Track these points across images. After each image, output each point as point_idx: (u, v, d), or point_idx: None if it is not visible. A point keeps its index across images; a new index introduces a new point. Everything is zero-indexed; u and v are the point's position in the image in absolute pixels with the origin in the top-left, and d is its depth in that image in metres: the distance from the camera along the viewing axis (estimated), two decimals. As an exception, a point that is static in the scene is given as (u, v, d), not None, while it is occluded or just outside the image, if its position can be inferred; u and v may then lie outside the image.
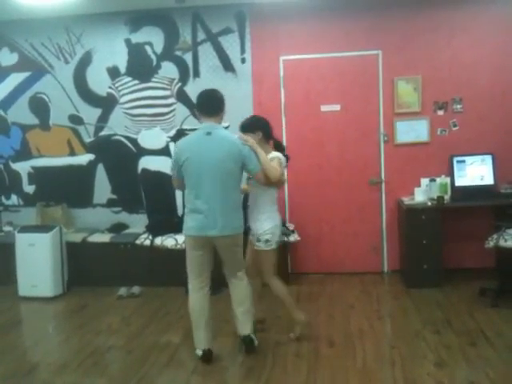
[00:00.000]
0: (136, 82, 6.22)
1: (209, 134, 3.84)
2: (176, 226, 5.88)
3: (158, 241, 5.74)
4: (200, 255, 3.94)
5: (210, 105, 3.92)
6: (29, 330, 5.06)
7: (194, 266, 3.99)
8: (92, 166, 6.39)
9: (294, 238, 5.76)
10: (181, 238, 5.66)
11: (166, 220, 6.07)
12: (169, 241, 5.71)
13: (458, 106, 5.79)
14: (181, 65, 6.13)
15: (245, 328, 4.08)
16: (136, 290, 5.67)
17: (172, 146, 6.15)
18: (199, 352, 3.98)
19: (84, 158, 6.40)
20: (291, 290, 5.50)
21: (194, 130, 6.05)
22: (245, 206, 4.25)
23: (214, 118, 3.90)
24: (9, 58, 6.37)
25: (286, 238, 5.68)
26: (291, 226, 5.93)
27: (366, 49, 5.86)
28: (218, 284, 5.42)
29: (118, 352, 4.29)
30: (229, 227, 3.88)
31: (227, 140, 3.87)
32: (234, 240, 3.96)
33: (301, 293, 5.52)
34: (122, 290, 5.66)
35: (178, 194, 6.17)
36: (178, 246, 5.60)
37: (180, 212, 6.20)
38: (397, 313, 4.90)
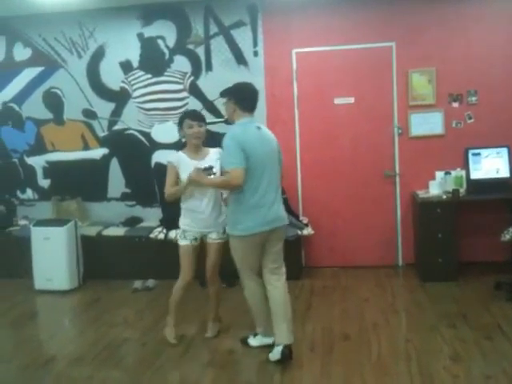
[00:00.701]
0: (149, 76, 6.23)
1: (259, 128, 3.82)
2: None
3: (172, 234, 5.74)
4: (260, 251, 3.87)
5: (255, 101, 3.85)
6: (44, 323, 5.11)
7: (255, 263, 3.90)
8: (106, 160, 6.41)
9: (307, 231, 5.74)
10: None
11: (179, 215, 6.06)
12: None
13: (473, 98, 5.73)
14: (193, 58, 6.12)
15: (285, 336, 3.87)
16: (150, 283, 5.70)
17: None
18: (279, 349, 3.78)
19: (98, 153, 6.43)
20: (304, 284, 5.54)
21: (208, 123, 6.08)
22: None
23: (252, 114, 3.85)
24: (22, 53, 6.40)
25: (299, 232, 5.67)
26: (305, 220, 5.92)
27: (379, 41, 5.81)
28: (233, 277, 5.46)
29: (132, 345, 4.31)
30: (284, 217, 3.93)
31: (270, 134, 3.93)
32: (285, 230, 4.03)
33: (314, 287, 5.51)
34: (137, 284, 5.69)
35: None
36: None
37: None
38: (412, 307, 4.87)
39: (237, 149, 3.60)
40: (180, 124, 4.10)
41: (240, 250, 3.86)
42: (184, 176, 3.99)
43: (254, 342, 4.09)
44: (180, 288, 4.21)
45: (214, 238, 4.20)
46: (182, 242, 4.16)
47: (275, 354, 3.78)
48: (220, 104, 5.98)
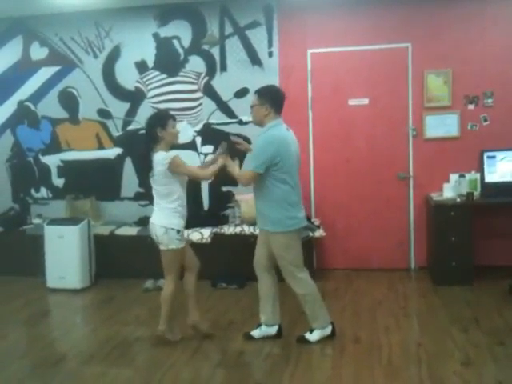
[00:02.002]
0: (163, 76, 6.25)
1: (288, 129, 4.02)
2: (202, 221, 5.93)
3: (184, 234, 5.75)
4: None
5: (283, 103, 4.03)
6: (57, 321, 5.15)
7: (301, 257, 4.09)
8: (120, 159, 6.45)
9: (319, 233, 5.73)
10: (206, 232, 5.68)
11: (192, 214, 6.07)
12: (194, 235, 5.72)
13: (489, 101, 5.68)
14: (208, 59, 6.13)
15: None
16: (162, 282, 5.68)
17: (199, 139, 6.18)
18: (327, 330, 4.12)
19: (112, 152, 6.47)
20: (316, 286, 5.51)
21: (220, 124, 6.08)
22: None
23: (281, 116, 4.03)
24: (39, 53, 6.45)
25: (311, 234, 5.65)
26: (317, 222, 5.90)
27: (395, 42, 5.78)
28: (244, 279, 5.47)
29: (144, 344, 4.33)
30: None
31: (294, 135, 4.10)
32: None
33: (326, 289, 5.48)
34: (149, 283, 5.71)
35: (204, 188, 6.20)
36: (204, 240, 5.62)
37: (206, 206, 6.22)
38: (424, 310, 4.84)
39: (268, 154, 3.82)
40: (161, 124, 4.04)
41: (295, 244, 4.01)
42: (183, 176, 4.13)
43: (313, 336, 4.11)
44: (173, 294, 4.22)
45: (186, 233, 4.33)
46: (180, 245, 4.12)
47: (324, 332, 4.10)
48: (234, 104, 6.01)
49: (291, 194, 3.95)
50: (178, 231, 4.09)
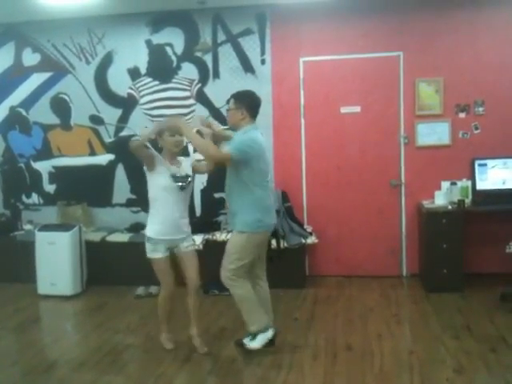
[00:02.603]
0: (156, 82, 6.25)
1: (262, 134, 4.08)
2: (194, 227, 5.91)
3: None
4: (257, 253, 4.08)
5: (259, 109, 4.08)
6: (47, 328, 5.11)
7: (249, 263, 4.02)
8: (112, 166, 6.43)
9: (311, 240, 5.73)
10: (198, 239, 5.67)
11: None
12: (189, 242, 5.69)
13: (480, 109, 5.72)
14: (201, 66, 6.14)
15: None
16: (154, 289, 5.68)
17: (191, 146, 6.17)
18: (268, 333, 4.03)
19: (104, 158, 6.45)
20: (308, 293, 5.52)
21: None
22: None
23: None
24: (31, 58, 6.44)
25: (303, 240, 5.66)
26: (309, 228, 5.91)
27: (387, 50, 5.81)
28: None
29: (135, 351, 4.31)
30: None
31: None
32: None
33: (318, 295, 5.49)
34: (140, 290, 5.69)
35: (197, 194, 6.18)
36: (196, 247, 5.59)
37: (198, 213, 6.21)
38: (416, 317, 4.85)
39: (248, 148, 3.85)
40: (158, 133, 4.05)
41: (250, 249, 3.97)
42: (160, 179, 4.00)
43: (254, 343, 4.01)
44: (163, 300, 4.23)
45: (186, 245, 4.18)
46: (153, 255, 4.06)
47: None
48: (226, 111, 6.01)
49: (264, 196, 3.99)
50: (149, 239, 4.03)
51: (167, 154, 4.09)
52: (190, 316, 4.27)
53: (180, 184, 4.03)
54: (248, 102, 3.99)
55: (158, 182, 4.02)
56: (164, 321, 4.30)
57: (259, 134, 4.03)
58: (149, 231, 4.06)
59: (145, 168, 4.05)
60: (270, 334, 4.00)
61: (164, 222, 4.03)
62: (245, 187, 3.93)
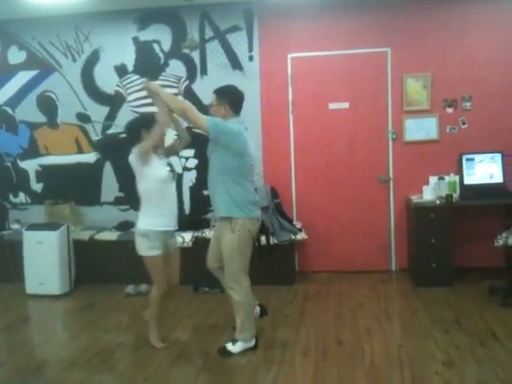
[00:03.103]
0: (143, 79, 6.21)
1: (246, 129, 4.02)
2: (183, 224, 5.89)
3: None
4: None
5: (242, 104, 4.06)
6: (37, 328, 5.08)
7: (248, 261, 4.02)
8: (99, 164, 6.39)
9: (301, 236, 5.74)
10: (187, 236, 5.65)
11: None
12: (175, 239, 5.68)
13: (468, 104, 5.75)
14: (188, 63, 6.12)
15: None
16: (143, 288, 5.66)
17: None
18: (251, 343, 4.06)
19: (92, 156, 6.41)
20: (298, 289, 5.53)
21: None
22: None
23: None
24: (17, 56, 6.38)
25: (293, 237, 5.67)
26: (298, 224, 5.91)
27: (375, 46, 5.83)
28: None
29: (126, 349, 4.29)
30: None
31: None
32: None
33: (308, 291, 5.50)
34: (130, 288, 5.67)
35: (186, 192, 6.17)
36: (185, 244, 5.59)
37: (187, 210, 6.19)
38: (405, 312, 4.87)
39: (223, 130, 3.83)
40: (146, 126, 4.01)
41: (245, 246, 3.97)
42: (157, 171, 4.01)
43: (235, 348, 4.02)
44: (157, 298, 4.19)
45: (174, 242, 4.25)
46: (151, 253, 4.01)
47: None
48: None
49: (251, 189, 4.01)
50: (148, 237, 3.99)
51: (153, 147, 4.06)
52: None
53: (174, 172, 4.14)
54: (230, 98, 3.98)
55: (156, 174, 4.01)
56: (155, 320, 4.26)
57: (242, 127, 3.97)
58: (145, 225, 4.01)
59: (137, 163, 3.98)
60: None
61: (162, 214, 4.03)
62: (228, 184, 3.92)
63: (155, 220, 4.00)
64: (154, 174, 4.00)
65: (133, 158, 4.00)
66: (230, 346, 4.03)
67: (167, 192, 4.09)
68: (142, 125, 4.11)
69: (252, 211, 3.97)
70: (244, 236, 3.92)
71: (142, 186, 4.05)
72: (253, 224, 4.00)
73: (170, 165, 4.14)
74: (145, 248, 4.02)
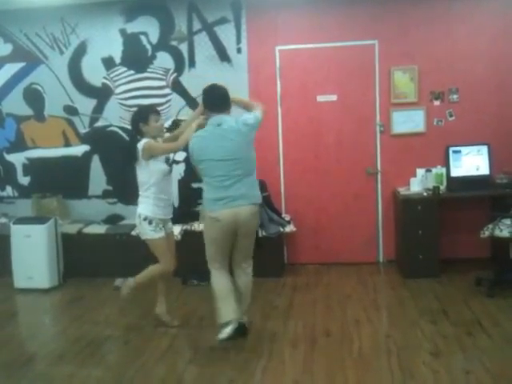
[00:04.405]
0: (131, 72, 6.19)
1: (219, 125, 3.94)
2: (172, 217, 5.89)
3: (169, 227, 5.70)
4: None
5: (220, 102, 4.01)
6: (25, 322, 5.07)
7: (212, 250, 4.09)
8: (87, 157, 6.36)
9: (289, 228, 5.76)
10: (176, 229, 5.65)
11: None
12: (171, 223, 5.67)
13: (455, 96, 5.79)
14: (176, 55, 6.09)
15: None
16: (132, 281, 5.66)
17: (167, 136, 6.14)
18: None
19: (79, 149, 6.37)
20: (286, 281, 5.55)
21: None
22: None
23: (221, 113, 4.00)
24: (3, 49, 6.32)
25: (281, 229, 5.69)
26: (287, 217, 5.93)
27: (362, 39, 5.83)
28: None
29: (115, 342, 4.30)
30: None
31: (233, 126, 4.06)
32: None
33: (297, 283, 5.53)
34: (118, 281, 5.63)
35: (174, 185, 6.15)
36: (174, 237, 5.57)
37: (176, 203, 6.19)
38: (393, 303, 4.91)
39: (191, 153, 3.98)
40: (143, 119, 4.20)
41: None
42: (159, 164, 4.22)
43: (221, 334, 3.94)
44: (159, 273, 4.36)
45: (170, 227, 4.43)
46: (156, 235, 4.22)
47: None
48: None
49: (211, 192, 3.95)
50: (151, 221, 4.18)
51: (152, 138, 4.25)
52: (158, 295, 4.45)
53: (171, 166, 4.38)
54: (203, 98, 4.11)
55: (158, 168, 4.22)
56: (163, 298, 4.47)
57: (211, 126, 3.94)
58: (149, 212, 4.19)
59: (141, 157, 4.14)
60: (229, 329, 3.87)
61: (162, 205, 4.25)
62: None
63: (155, 208, 4.22)
64: (156, 168, 4.20)
65: (139, 153, 4.15)
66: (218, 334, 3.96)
67: (166, 184, 4.29)
68: (139, 118, 4.25)
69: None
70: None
71: (143, 178, 4.22)
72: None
73: (167, 158, 4.31)
74: (149, 232, 4.21)
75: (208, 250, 4.06)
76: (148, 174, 4.19)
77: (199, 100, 5.90)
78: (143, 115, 4.23)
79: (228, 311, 3.94)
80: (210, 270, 4.08)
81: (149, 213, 4.20)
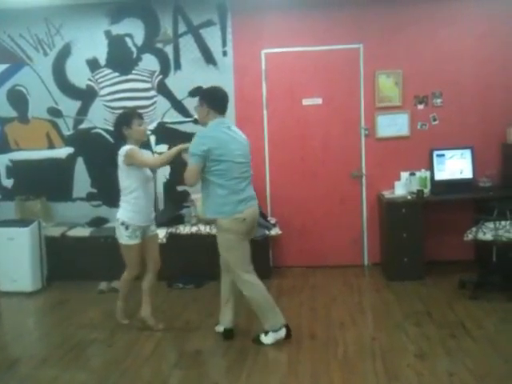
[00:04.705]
0: (116, 74, 6.16)
1: (229, 128, 4.05)
2: (157, 221, 5.86)
3: (151, 232, 5.67)
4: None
5: (226, 103, 4.09)
6: (9, 325, 5.00)
7: (244, 254, 4.09)
8: (71, 159, 6.32)
9: (275, 231, 5.76)
10: (161, 233, 5.63)
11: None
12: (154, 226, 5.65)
13: (438, 101, 5.84)
14: (162, 57, 6.08)
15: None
16: (116, 284, 5.61)
17: (153, 138, 6.14)
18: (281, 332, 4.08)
19: (63, 152, 6.33)
20: (272, 284, 5.55)
21: (175, 123, 6.07)
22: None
23: (224, 115, 4.08)
24: (-14, 50, 6.27)
25: (267, 232, 5.69)
26: (272, 220, 5.94)
27: (347, 42, 5.87)
28: (203, 278, 5.47)
29: (99, 346, 4.26)
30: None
31: (240, 133, 4.18)
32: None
33: (283, 286, 5.53)
34: (103, 285, 5.62)
35: (159, 188, 6.13)
36: (159, 241, 5.54)
37: (161, 206, 6.16)
38: (378, 305, 4.93)
39: (199, 147, 3.84)
40: (126, 122, 4.22)
41: (237, 240, 4.05)
42: (143, 170, 4.25)
43: (267, 339, 4.07)
44: (126, 281, 4.44)
45: (153, 229, 4.44)
46: (130, 242, 4.23)
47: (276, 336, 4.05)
48: (188, 103, 5.98)
49: (232, 195, 3.94)
50: (127, 227, 4.19)
51: (135, 142, 4.26)
52: (142, 298, 4.45)
53: (154, 172, 4.40)
54: (209, 98, 4.04)
55: (141, 173, 4.23)
56: (123, 299, 4.52)
57: (222, 127, 3.97)
58: (126, 218, 4.20)
59: (123, 163, 4.16)
60: (283, 332, 4.09)
61: (142, 211, 4.25)
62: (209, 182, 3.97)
63: (135, 215, 4.21)
64: (139, 174, 4.20)
65: (120, 157, 4.17)
66: (262, 337, 4.08)
67: (148, 190, 4.29)
68: (122, 122, 4.26)
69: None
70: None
71: (126, 183, 4.22)
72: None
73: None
74: (124, 237, 4.23)
75: (236, 255, 4.02)
76: (129, 179, 4.19)
77: (185, 102, 5.98)
78: (126, 119, 4.24)
79: (279, 314, 4.12)
80: (241, 278, 4.04)
81: (126, 218, 4.20)
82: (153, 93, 6.13)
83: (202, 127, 4.11)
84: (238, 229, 3.95)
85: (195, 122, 5.91)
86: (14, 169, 6.42)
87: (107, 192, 6.28)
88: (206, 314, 4.71)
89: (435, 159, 5.77)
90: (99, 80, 6.19)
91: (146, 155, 4.37)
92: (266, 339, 4.07)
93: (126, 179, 4.20)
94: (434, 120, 5.87)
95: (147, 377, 3.70)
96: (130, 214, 4.19)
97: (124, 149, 4.16)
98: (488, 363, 3.63)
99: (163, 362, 3.92)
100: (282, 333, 4.07)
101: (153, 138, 6.14)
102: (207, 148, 3.82)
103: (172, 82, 6.08)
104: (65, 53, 6.18)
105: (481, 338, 4.00)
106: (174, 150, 4.12)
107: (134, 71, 6.13)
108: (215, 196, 3.94)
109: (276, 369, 3.73)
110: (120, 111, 5.99)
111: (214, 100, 4.02)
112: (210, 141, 3.85)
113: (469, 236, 5.03)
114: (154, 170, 4.45)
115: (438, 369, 3.60)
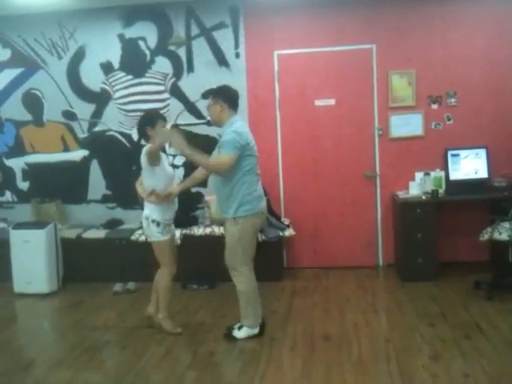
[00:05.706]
0: (130, 77, 6.20)
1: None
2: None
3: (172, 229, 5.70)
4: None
5: (238, 100, 4.22)
6: (24, 327, 5.06)
7: (252, 249, 4.18)
8: (86, 161, 6.37)
9: (288, 232, 5.76)
10: (176, 234, 5.65)
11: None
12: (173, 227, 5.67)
13: (452, 100, 5.80)
14: (175, 60, 6.11)
15: None
16: (131, 285, 5.67)
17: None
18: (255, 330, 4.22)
19: (78, 154, 6.39)
20: (286, 285, 5.55)
21: (188, 125, 6.08)
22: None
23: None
24: (2, 54, 6.33)
25: (281, 233, 5.69)
26: (286, 221, 5.94)
27: (360, 43, 5.85)
28: (216, 279, 5.49)
29: (113, 347, 4.29)
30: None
31: None
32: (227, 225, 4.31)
33: (296, 287, 5.53)
34: (118, 286, 5.66)
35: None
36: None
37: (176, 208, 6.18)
38: (392, 306, 4.90)
39: (241, 140, 3.95)
40: (150, 123, 4.24)
41: (249, 233, 4.13)
42: (167, 169, 4.37)
43: (240, 333, 4.19)
44: (170, 282, 4.42)
45: (173, 229, 4.50)
46: (162, 238, 4.29)
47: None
48: (201, 105, 6.00)
49: (257, 190, 4.13)
50: (158, 224, 4.24)
51: (160, 145, 4.24)
52: (152, 296, 4.51)
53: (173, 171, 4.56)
54: (224, 94, 4.13)
55: (166, 172, 4.35)
56: (165, 308, 4.45)
57: (245, 124, 4.21)
58: (155, 215, 4.25)
59: (146, 163, 4.20)
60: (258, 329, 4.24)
61: (167, 208, 4.33)
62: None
63: (161, 212, 4.28)
64: (163, 173, 4.29)
65: (143, 157, 4.22)
66: (235, 332, 4.19)
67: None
68: (145, 122, 4.30)
69: None
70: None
71: (149, 183, 4.28)
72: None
73: (171, 164, 4.50)
74: (156, 234, 4.27)
75: (247, 249, 4.13)
76: (154, 180, 4.25)
77: (198, 105, 6.01)
78: (151, 120, 4.29)
79: (260, 315, 4.25)
80: (241, 271, 4.14)
81: (155, 216, 4.26)
82: (166, 95, 6.16)
83: (218, 127, 4.24)
84: (258, 223, 4.14)
85: (208, 123, 5.99)
86: (30, 172, 6.49)
87: (122, 194, 6.33)
88: (219, 316, 4.72)
89: (450, 159, 5.73)
90: (113, 83, 6.23)
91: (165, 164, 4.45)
92: (239, 334, 4.18)
93: (151, 179, 4.27)
94: (449, 120, 5.83)
95: (161, 378, 3.72)
96: (158, 212, 4.26)
97: (145, 148, 4.23)
98: (503, 364, 3.60)
99: (177, 364, 3.92)
100: (256, 331, 4.20)
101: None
102: (245, 143, 3.97)
103: (185, 84, 6.11)
104: (79, 56, 6.23)
105: (496, 339, 3.97)
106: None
107: (147, 74, 6.17)
108: (239, 194, 4.02)
109: (290, 370, 3.72)
110: (137, 113, 6.12)
111: (229, 96, 4.13)
112: (245, 137, 4.00)
113: (484, 236, 4.99)
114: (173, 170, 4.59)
115: (452, 370, 3.57)
